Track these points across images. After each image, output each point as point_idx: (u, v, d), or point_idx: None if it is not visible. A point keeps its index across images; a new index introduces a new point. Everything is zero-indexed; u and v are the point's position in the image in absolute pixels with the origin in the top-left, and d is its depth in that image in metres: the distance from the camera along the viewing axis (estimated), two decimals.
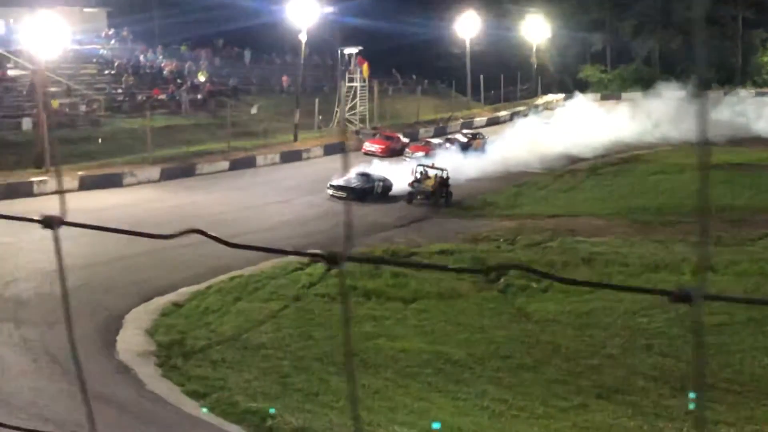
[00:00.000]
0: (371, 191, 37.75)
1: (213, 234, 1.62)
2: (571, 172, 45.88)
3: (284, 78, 58.50)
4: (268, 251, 1.67)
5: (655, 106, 59.09)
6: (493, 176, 43.32)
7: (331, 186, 37.50)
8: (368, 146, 48.22)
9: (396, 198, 38.34)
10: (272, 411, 15.75)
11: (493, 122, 61.21)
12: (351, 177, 37.66)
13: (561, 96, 64.14)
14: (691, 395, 17.72)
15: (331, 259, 1.57)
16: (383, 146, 48.12)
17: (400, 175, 39.31)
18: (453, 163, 41.64)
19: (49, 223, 1.71)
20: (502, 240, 32.25)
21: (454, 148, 49.28)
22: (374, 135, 50.78)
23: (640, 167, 48.00)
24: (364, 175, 38.30)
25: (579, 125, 51.77)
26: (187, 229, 1.66)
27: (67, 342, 18.98)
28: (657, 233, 33.13)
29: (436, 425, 15.92)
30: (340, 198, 36.45)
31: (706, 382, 19.85)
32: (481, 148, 49.57)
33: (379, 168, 40.27)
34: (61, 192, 1.69)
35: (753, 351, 21.22)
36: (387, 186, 38.52)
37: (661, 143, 53.78)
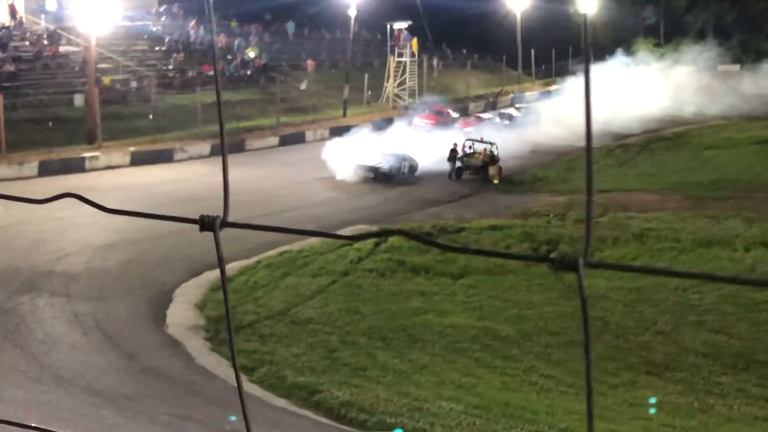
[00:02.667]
0: (398, 171, 36.88)
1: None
2: (622, 147, 45.41)
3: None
4: (488, 254, 1.44)
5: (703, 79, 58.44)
6: (543, 151, 43.02)
7: (358, 166, 36.32)
8: (418, 121, 48.00)
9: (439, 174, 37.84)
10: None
11: (545, 96, 60.62)
12: (378, 157, 36.90)
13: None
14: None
15: (568, 265, 1.32)
16: (433, 121, 47.91)
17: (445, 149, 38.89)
18: (503, 137, 41.37)
19: (211, 224, 1.49)
20: (552, 215, 32.00)
21: (506, 122, 49.01)
22: (424, 110, 50.58)
23: (693, 142, 47.44)
24: (391, 155, 37.25)
25: (630, 98, 51.01)
26: (391, 229, 1.48)
27: (117, 316, 19.24)
28: (710, 208, 32.69)
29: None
30: (367, 178, 35.99)
31: (758, 359, 19.62)
32: (532, 122, 49.30)
33: (427, 142, 39.90)
34: (225, 193, 1.43)
35: None
36: (413, 165, 37.69)
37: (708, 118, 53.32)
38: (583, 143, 1.27)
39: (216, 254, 1.55)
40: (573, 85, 55.20)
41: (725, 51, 64.91)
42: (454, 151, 38.48)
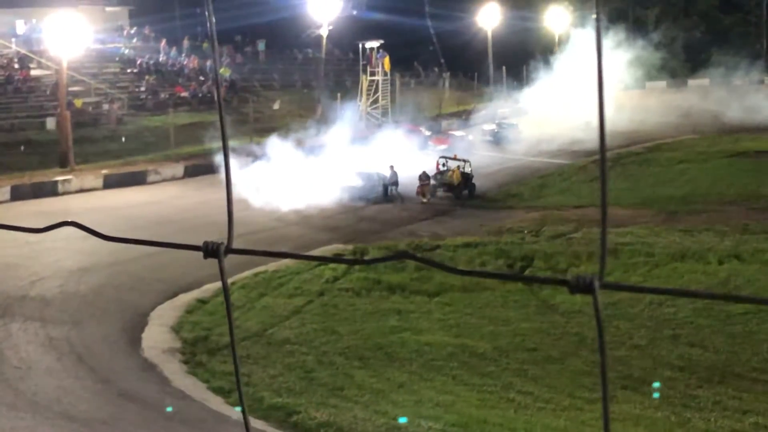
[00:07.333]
0: (373, 190, 36.75)
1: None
2: (595, 162, 45.59)
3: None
4: (507, 278, 1.42)
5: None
6: (517, 167, 43.18)
7: (333, 185, 35.86)
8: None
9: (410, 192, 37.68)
10: None
11: (517, 113, 60.87)
12: (353, 176, 36.68)
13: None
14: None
15: (584, 286, 1.29)
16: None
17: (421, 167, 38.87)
18: (478, 154, 41.52)
19: (215, 251, 1.48)
20: (526, 232, 32.10)
21: (483, 138, 49.34)
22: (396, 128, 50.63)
23: (664, 156, 47.74)
24: (366, 174, 37.07)
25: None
26: (404, 251, 1.46)
27: (93, 340, 19.08)
28: (683, 222, 32.91)
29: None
30: (341, 196, 35.65)
31: (734, 371, 19.71)
32: (510, 139, 49.78)
33: (401, 160, 39.88)
34: (230, 219, 1.40)
35: None
36: (386, 184, 37.60)
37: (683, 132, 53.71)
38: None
39: (221, 281, 1.53)
40: (542, 100, 55.56)
41: (695, 66, 65.41)
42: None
